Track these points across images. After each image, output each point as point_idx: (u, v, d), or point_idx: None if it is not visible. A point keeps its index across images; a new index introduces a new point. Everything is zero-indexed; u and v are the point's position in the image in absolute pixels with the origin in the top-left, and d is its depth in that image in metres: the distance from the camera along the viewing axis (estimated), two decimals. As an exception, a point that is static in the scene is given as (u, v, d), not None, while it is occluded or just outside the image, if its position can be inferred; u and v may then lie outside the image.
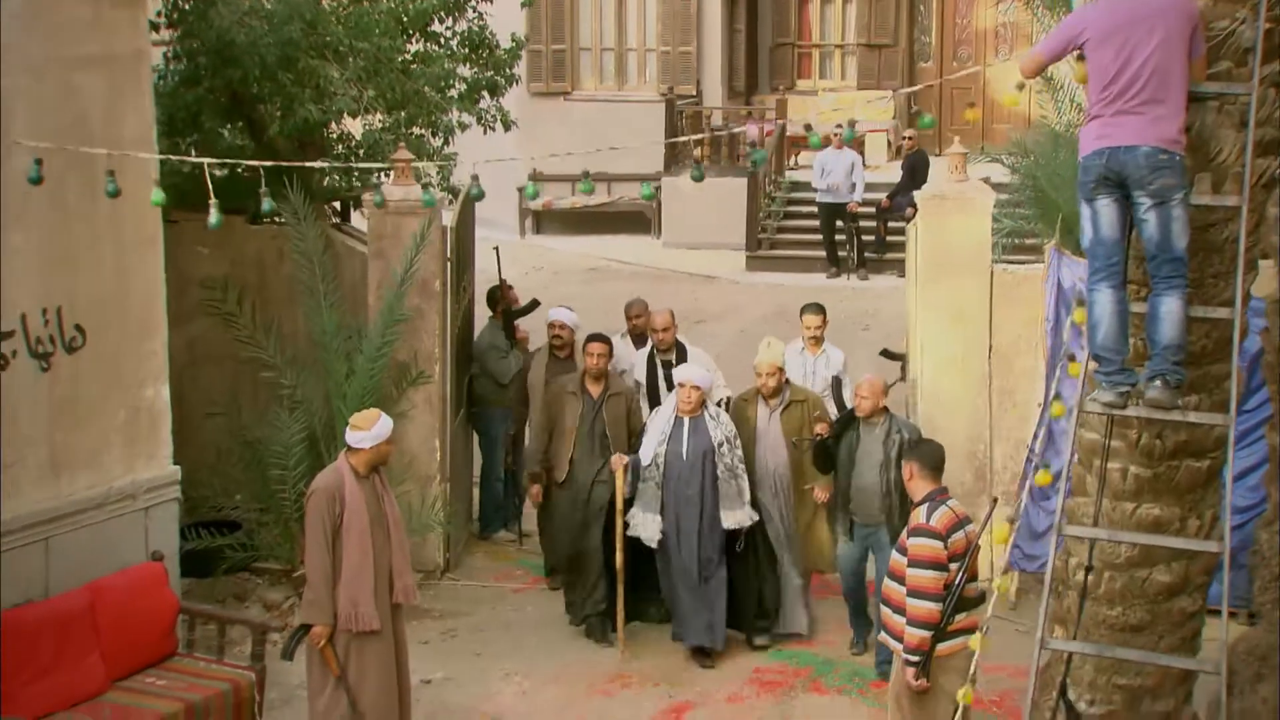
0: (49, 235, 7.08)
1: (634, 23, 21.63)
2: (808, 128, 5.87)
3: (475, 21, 11.29)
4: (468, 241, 10.06)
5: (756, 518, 8.19)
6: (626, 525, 8.20)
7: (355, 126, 10.69)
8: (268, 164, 6.52)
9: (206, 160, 6.48)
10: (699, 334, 12.82)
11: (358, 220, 10.81)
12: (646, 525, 8.16)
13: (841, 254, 17.88)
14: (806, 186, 18.56)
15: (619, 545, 8.15)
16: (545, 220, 20.93)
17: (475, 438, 10.29)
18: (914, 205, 11.39)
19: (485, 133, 11.44)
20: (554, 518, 8.83)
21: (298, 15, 9.54)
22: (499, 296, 10.05)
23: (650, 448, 8.19)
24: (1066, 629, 5.94)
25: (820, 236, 18.12)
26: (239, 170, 10.11)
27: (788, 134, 19.81)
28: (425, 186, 8.53)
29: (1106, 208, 5.30)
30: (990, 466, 9.11)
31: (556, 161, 15.74)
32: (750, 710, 7.78)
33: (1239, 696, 6.07)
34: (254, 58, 9.32)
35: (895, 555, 6.49)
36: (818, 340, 9.18)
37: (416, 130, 10.72)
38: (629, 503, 8.20)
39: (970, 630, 6.36)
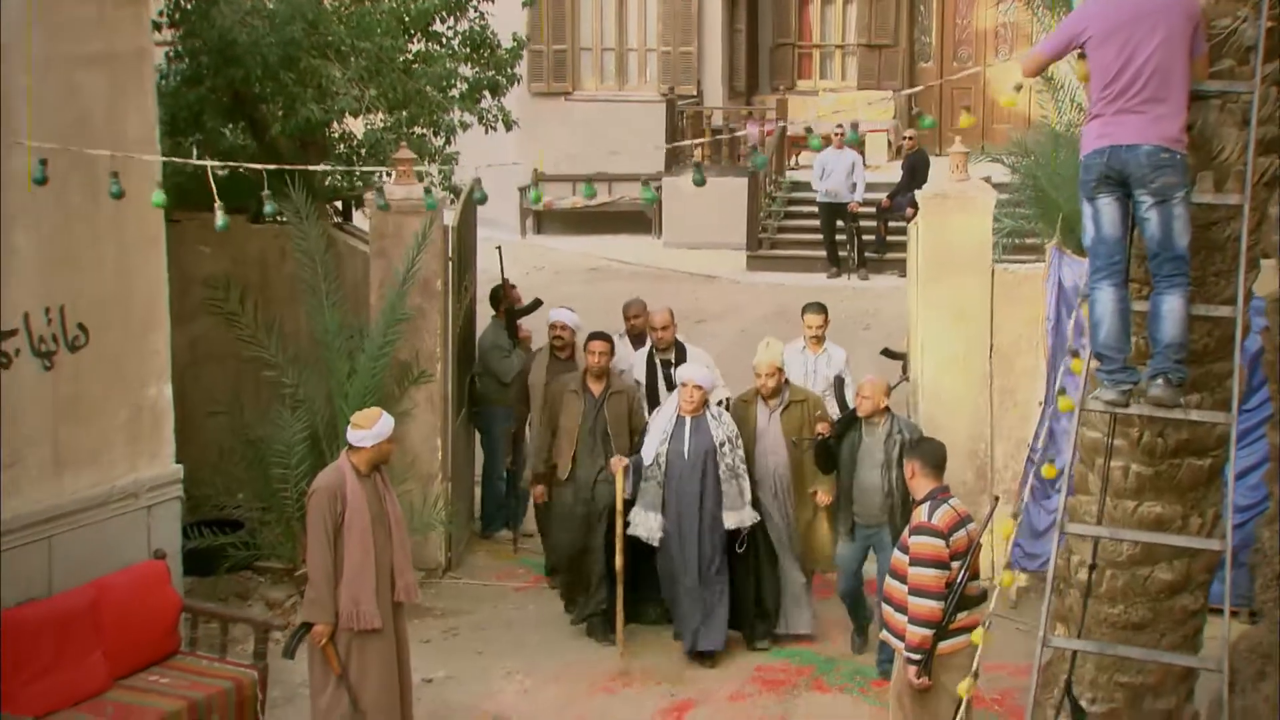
0: (52, 234, 7.09)
1: (635, 23, 21.65)
2: (808, 130, 5.89)
3: (476, 21, 11.30)
4: (469, 241, 10.07)
5: (758, 518, 8.19)
6: (627, 525, 8.20)
7: (357, 126, 10.70)
8: (271, 167, 6.53)
9: (210, 163, 6.48)
10: (699, 334, 12.83)
11: (360, 219, 10.83)
12: (647, 523, 8.16)
13: (842, 254, 17.90)
14: (807, 186, 18.59)
15: (619, 546, 8.16)
16: (546, 220, 20.95)
17: (477, 437, 10.30)
18: (914, 205, 11.41)
19: (487, 132, 11.45)
20: (556, 516, 8.83)
21: (299, 15, 9.55)
22: (502, 296, 10.06)
23: (652, 447, 8.20)
24: (1068, 627, 5.95)
25: (820, 236, 18.15)
26: (241, 170, 10.15)
27: (788, 134, 19.81)
28: (427, 190, 8.52)
29: (1108, 206, 5.30)
30: (991, 465, 9.12)
31: (558, 161, 15.84)
32: (752, 709, 7.79)
33: (1240, 695, 6.08)
34: (256, 57, 9.33)
35: (897, 553, 6.50)
36: (819, 339, 9.19)
37: (418, 130, 10.73)
38: (630, 503, 8.21)
39: (972, 628, 6.39)
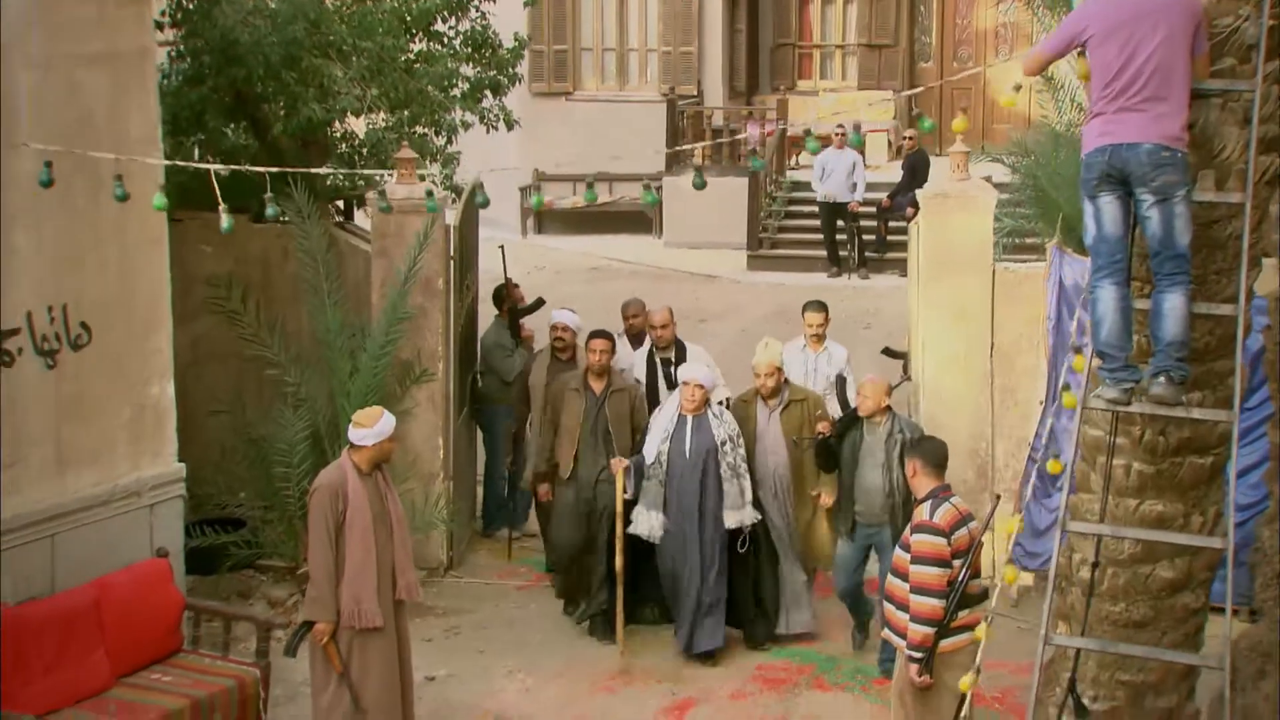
0: (54, 233, 7.11)
1: (635, 23, 21.67)
2: (807, 133, 5.89)
3: (478, 21, 11.32)
4: (471, 240, 10.08)
5: (759, 517, 8.19)
6: (627, 525, 8.19)
7: (359, 125, 10.72)
8: (274, 170, 6.54)
9: (213, 166, 6.49)
10: (700, 333, 12.84)
11: (361, 219, 10.84)
12: (649, 522, 8.17)
13: (842, 253, 17.92)
14: (807, 186, 18.61)
15: (619, 547, 8.15)
16: (547, 220, 20.96)
17: (480, 436, 10.31)
18: (914, 205, 11.42)
19: (488, 132, 11.46)
20: (557, 515, 8.83)
21: (301, 14, 9.57)
22: (505, 295, 10.07)
23: (653, 446, 8.21)
24: (1070, 625, 5.96)
25: (821, 236, 18.17)
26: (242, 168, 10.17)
27: (789, 134, 19.83)
28: (429, 194, 8.52)
29: (1109, 205, 5.31)
30: (992, 464, 9.13)
31: (559, 162, 15.85)
32: (753, 707, 7.80)
33: (1241, 693, 6.09)
34: (258, 57, 9.34)
35: (899, 551, 6.51)
36: (819, 338, 9.20)
37: (420, 129, 10.75)
38: (633, 503, 8.20)
39: (973, 626, 6.39)
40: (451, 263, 9.44)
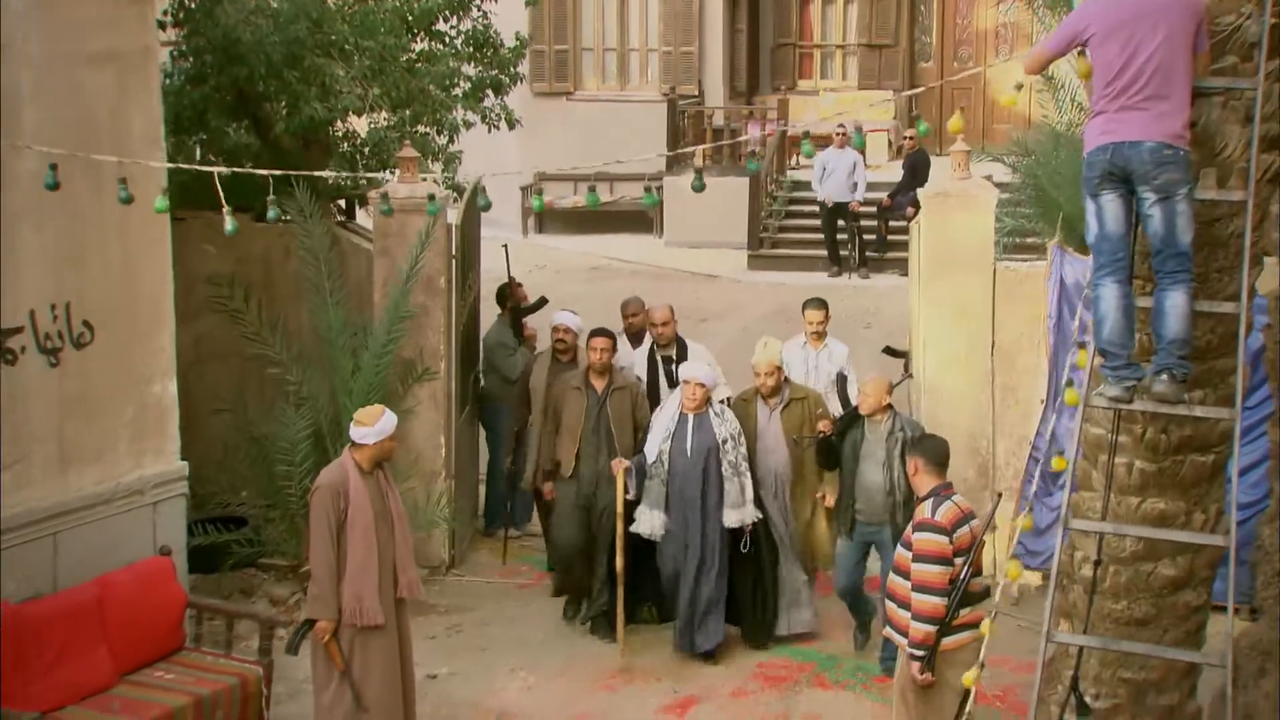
0: (57, 232, 7.11)
1: (636, 23, 21.69)
2: (805, 135, 5.90)
3: (480, 20, 11.34)
4: (473, 239, 10.09)
5: (759, 516, 8.19)
6: (630, 523, 8.19)
7: (360, 124, 10.73)
8: (277, 173, 6.54)
9: (217, 169, 6.50)
10: (701, 333, 12.85)
11: (363, 218, 10.85)
12: (651, 521, 8.17)
13: (843, 253, 17.94)
14: (807, 186, 18.62)
15: (619, 549, 8.15)
16: (547, 219, 20.97)
17: (482, 434, 10.31)
18: (914, 204, 11.43)
19: (489, 131, 11.47)
20: (558, 513, 8.82)
21: (303, 14, 9.58)
22: (508, 294, 10.08)
23: (655, 445, 8.21)
24: (1072, 623, 5.97)
25: (821, 235, 18.19)
26: (245, 167, 10.18)
27: (789, 134, 19.84)
28: (431, 197, 8.54)
29: (1111, 203, 5.33)
30: (993, 463, 9.15)
31: (560, 161, 15.85)
32: (754, 705, 7.81)
33: (1242, 691, 6.10)
34: (260, 56, 9.36)
35: (900, 550, 6.51)
36: (819, 335, 9.20)
37: (421, 128, 10.76)
38: (636, 503, 8.20)
39: (975, 624, 6.41)
40: (453, 261, 9.45)
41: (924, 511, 6.38)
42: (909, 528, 6.52)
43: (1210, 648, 6.00)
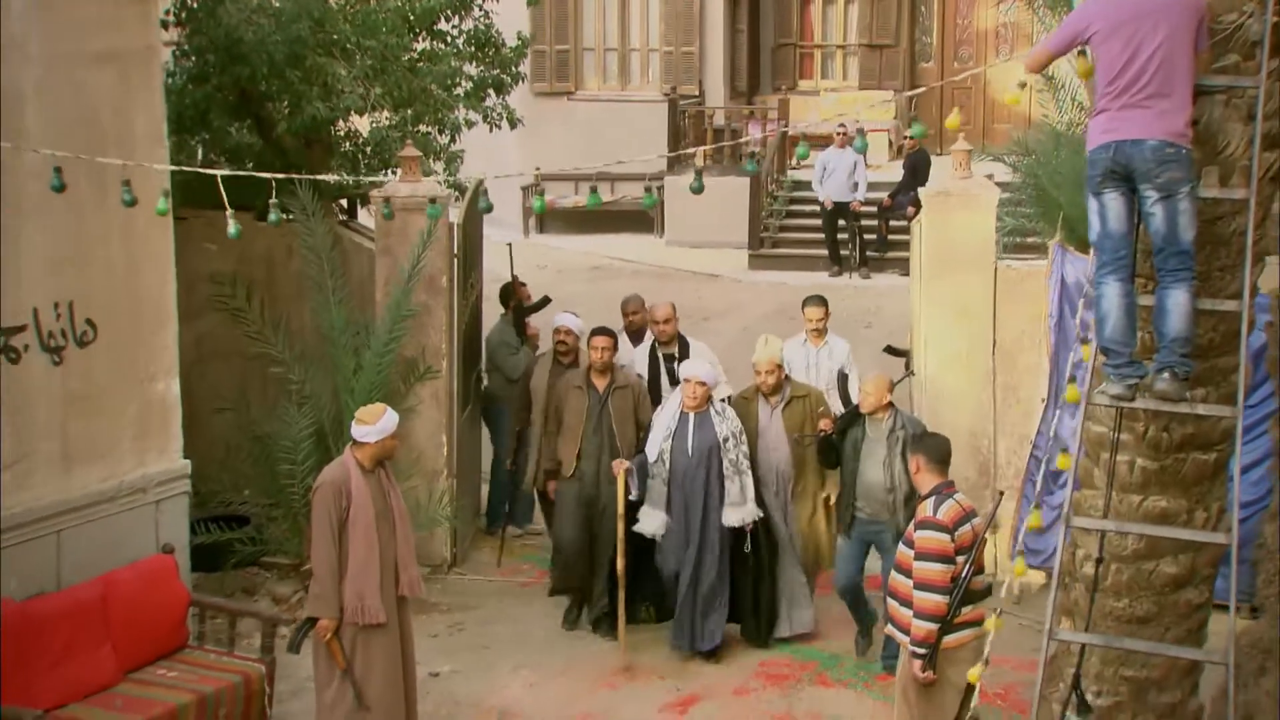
0: (60, 230, 7.12)
1: (637, 23, 21.69)
2: (801, 138, 5.88)
3: (481, 20, 11.35)
4: (475, 238, 10.10)
5: (760, 515, 8.19)
6: (633, 523, 8.18)
7: (362, 124, 10.74)
8: (280, 175, 6.55)
9: (220, 172, 6.50)
10: (702, 332, 12.84)
11: (365, 217, 10.87)
12: (654, 521, 8.18)
13: (843, 253, 17.95)
14: (808, 186, 18.63)
15: (620, 550, 8.15)
16: (549, 219, 20.96)
17: (486, 433, 10.32)
18: (915, 204, 11.43)
19: (491, 130, 11.48)
20: (560, 513, 8.83)
21: (305, 13, 9.60)
22: (511, 293, 10.09)
23: (656, 444, 8.21)
24: (1074, 621, 5.98)
25: (822, 235, 18.21)
26: (247, 167, 10.18)
27: (789, 134, 19.85)
28: (432, 200, 8.54)
29: (1114, 201, 5.33)
30: (994, 461, 9.16)
31: (561, 161, 15.85)
32: (756, 703, 7.82)
33: (1243, 689, 6.09)
34: (262, 55, 9.37)
35: (902, 548, 6.52)
36: (820, 332, 9.21)
37: (423, 128, 10.78)
38: (639, 503, 8.20)
39: (977, 622, 6.42)
40: (455, 260, 9.45)
41: (926, 509, 6.40)
42: (911, 525, 6.53)
43: (1212, 646, 6.01)
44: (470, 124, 11.24)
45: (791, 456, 8.35)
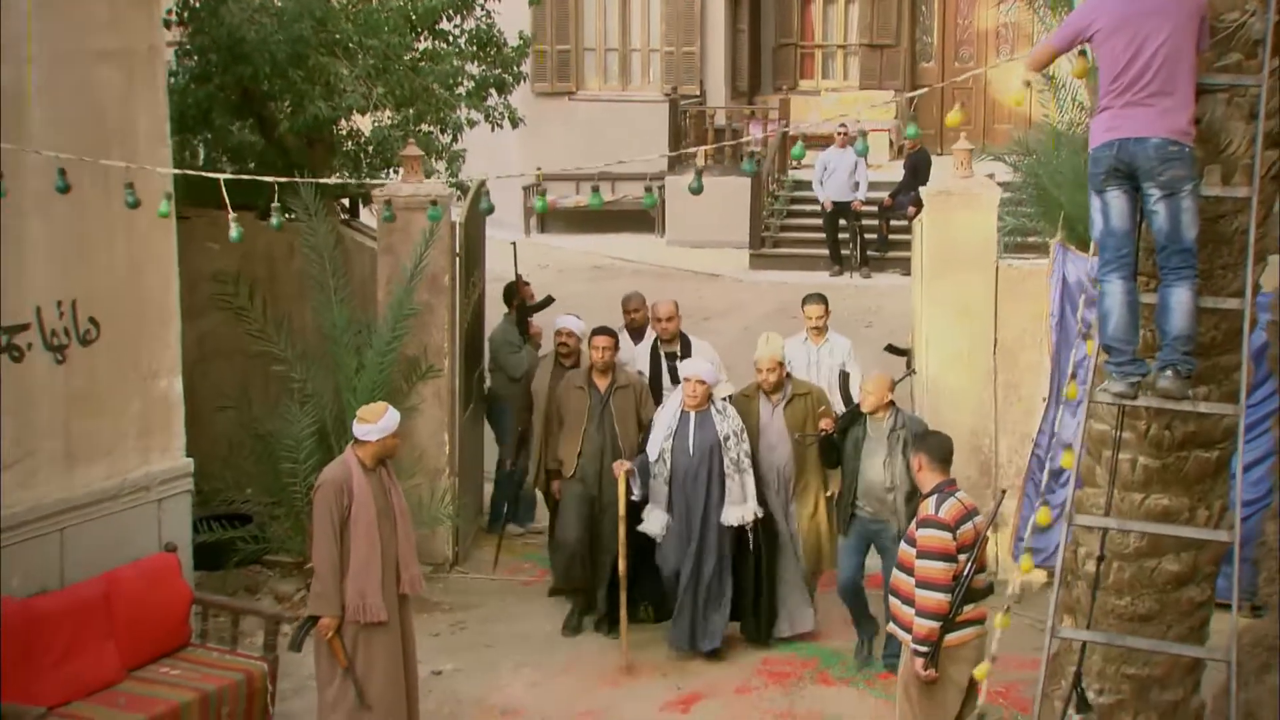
0: (63, 229, 7.13)
1: (638, 23, 21.71)
2: (799, 139, 5.91)
3: (483, 20, 11.36)
4: (477, 237, 10.11)
5: (761, 513, 8.18)
6: (637, 523, 8.18)
7: (364, 123, 10.75)
8: (283, 179, 6.54)
9: (223, 175, 6.51)
10: (703, 331, 12.82)
11: (367, 216, 10.87)
12: (657, 521, 8.19)
13: (844, 252, 17.97)
14: (809, 186, 18.65)
15: (621, 553, 8.14)
16: (550, 218, 20.97)
17: (488, 432, 10.33)
18: (915, 204, 11.44)
19: (493, 130, 11.49)
20: (562, 513, 8.82)
21: (308, 13, 9.62)
22: (515, 292, 10.10)
23: (656, 443, 8.21)
24: (1076, 618, 5.99)
25: (823, 235, 18.23)
26: (249, 166, 10.19)
27: (790, 134, 19.86)
28: (433, 203, 8.53)
29: (1117, 199, 5.34)
30: (995, 460, 9.17)
31: (562, 161, 15.87)
32: (758, 701, 7.82)
33: (1245, 687, 6.10)
34: (264, 55, 9.39)
35: (904, 546, 6.53)
36: (820, 330, 9.21)
37: (425, 127, 10.79)
38: (642, 503, 8.20)
39: (978, 621, 6.44)
40: (457, 259, 9.46)
41: (928, 508, 6.40)
42: (913, 524, 6.53)
43: (1213, 644, 6.01)
44: (472, 123, 11.25)
45: (793, 455, 8.33)
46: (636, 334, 9.49)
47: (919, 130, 6.24)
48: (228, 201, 6.20)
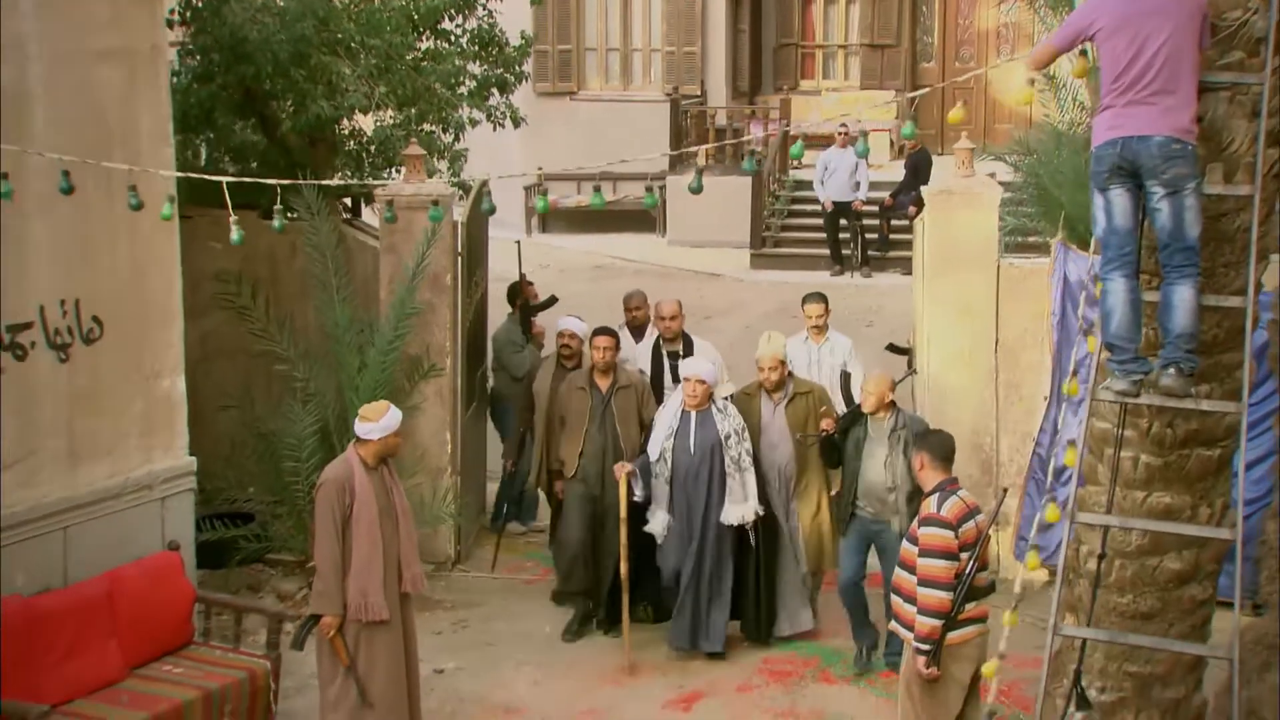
0: (66, 228, 7.13)
1: (639, 23, 21.74)
2: (798, 138, 5.93)
3: (485, 19, 11.37)
4: (479, 236, 10.12)
5: (761, 512, 8.18)
6: (641, 524, 8.18)
7: (367, 123, 10.76)
8: (285, 182, 6.56)
9: (226, 178, 6.52)
10: (705, 330, 12.83)
11: (369, 215, 10.88)
12: (656, 521, 8.19)
13: (845, 252, 17.99)
14: (810, 185, 18.68)
15: (623, 555, 8.14)
16: (551, 218, 20.99)
17: (490, 431, 10.34)
18: (916, 203, 11.44)
19: (495, 129, 11.51)
20: (564, 514, 8.81)
21: (310, 12, 9.63)
22: (519, 291, 10.11)
23: (657, 443, 8.21)
24: (1077, 616, 6.00)
25: (823, 235, 18.24)
26: (251, 166, 10.21)
27: (791, 134, 19.88)
28: (435, 203, 8.54)
29: (1119, 197, 5.35)
30: (996, 459, 9.17)
31: (563, 161, 15.88)
32: (759, 699, 7.83)
33: (1247, 685, 6.11)
34: (266, 54, 9.39)
35: (906, 544, 6.53)
36: (820, 329, 9.22)
37: (427, 126, 10.80)
38: (645, 504, 8.21)
39: (980, 619, 6.44)
40: (459, 259, 9.47)
41: (930, 506, 6.41)
42: (914, 522, 6.54)
43: (1215, 642, 6.01)
44: (474, 123, 11.26)
45: (795, 454, 8.33)
46: (637, 332, 9.49)
47: (915, 130, 6.25)
48: (230, 203, 6.20)
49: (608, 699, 7.85)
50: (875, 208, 17.87)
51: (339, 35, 10.01)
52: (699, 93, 21.14)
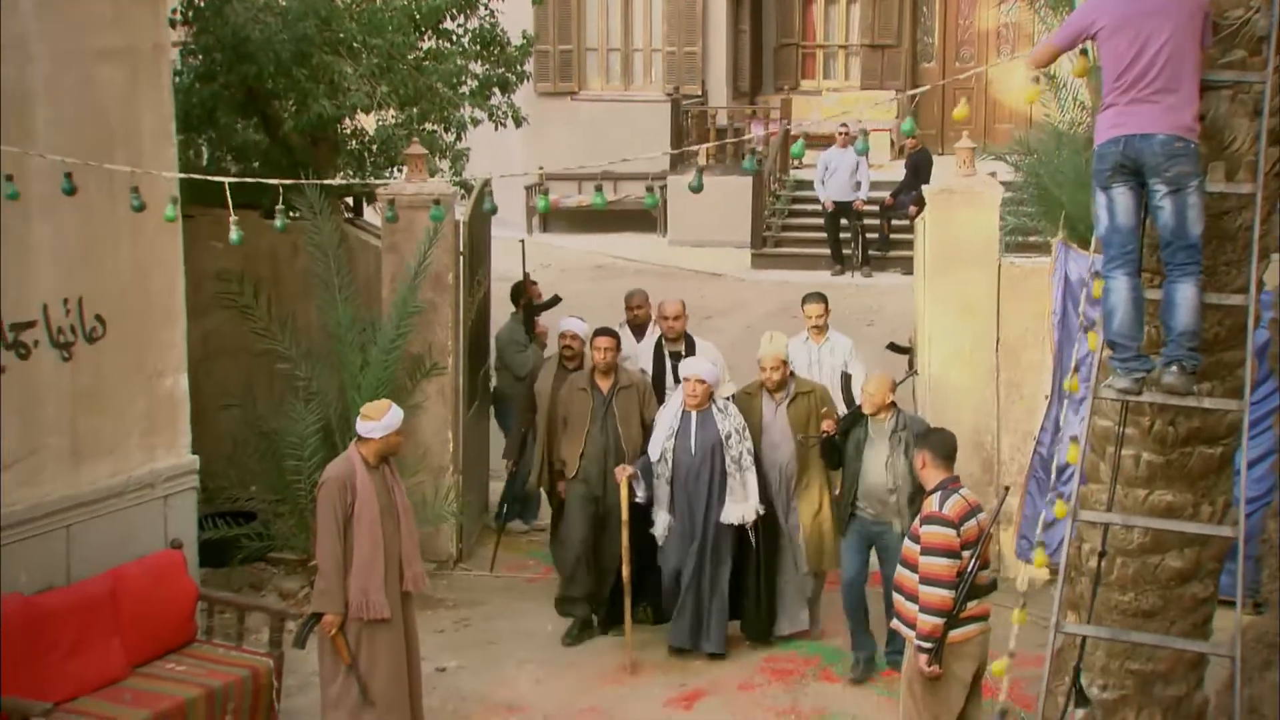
0: (69, 227, 7.14)
1: (640, 23, 21.75)
2: (799, 137, 5.94)
3: (486, 19, 11.39)
4: (481, 236, 10.12)
5: (762, 512, 8.18)
6: (645, 525, 8.19)
7: (369, 122, 10.78)
8: (287, 182, 6.57)
9: (228, 180, 6.53)
10: (705, 330, 12.86)
11: (371, 214, 10.90)
12: (657, 521, 8.20)
13: (846, 251, 18.00)
14: (811, 185, 18.69)
15: (625, 557, 8.14)
16: (552, 218, 20.99)
17: (492, 430, 10.35)
18: (916, 203, 11.45)
19: (496, 129, 11.52)
20: (566, 514, 8.79)
21: (312, 12, 9.63)
22: (522, 291, 10.11)
23: (658, 443, 8.21)
24: (1079, 614, 6.01)
25: (824, 234, 18.26)
26: (253, 165, 10.22)
27: (792, 133, 19.90)
28: (436, 203, 8.55)
29: (1122, 195, 5.36)
30: (998, 458, 9.18)
31: (564, 161, 15.90)
32: (761, 698, 7.84)
33: (1248, 683, 6.13)
34: (269, 54, 9.40)
35: (908, 543, 6.54)
36: (820, 329, 9.22)
37: (429, 125, 10.81)
38: (647, 505, 8.21)
39: (982, 617, 6.45)
40: (461, 258, 9.48)
41: (931, 505, 6.41)
42: (916, 521, 6.54)
43: (1217, 640, 6.03)
44: (476, 122, 11.27)
45: (796, 454, 8.32)
46: (638, 331, 9.50)
47: (915, 126, 6.26)
48: (232, 203, 6.21)
49: (609, 697, 7.86)
50: (876, 207, 17.88)
51: (341, 35, 10.02)
52: (700, 93, 21.15)
